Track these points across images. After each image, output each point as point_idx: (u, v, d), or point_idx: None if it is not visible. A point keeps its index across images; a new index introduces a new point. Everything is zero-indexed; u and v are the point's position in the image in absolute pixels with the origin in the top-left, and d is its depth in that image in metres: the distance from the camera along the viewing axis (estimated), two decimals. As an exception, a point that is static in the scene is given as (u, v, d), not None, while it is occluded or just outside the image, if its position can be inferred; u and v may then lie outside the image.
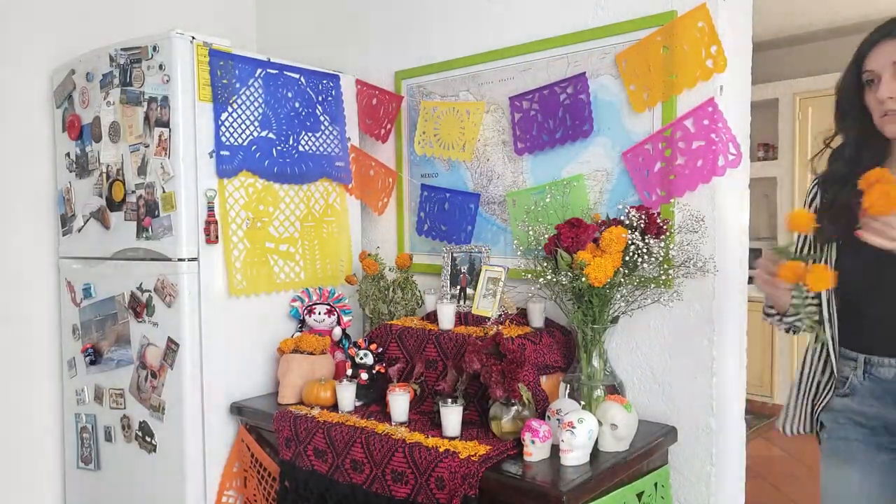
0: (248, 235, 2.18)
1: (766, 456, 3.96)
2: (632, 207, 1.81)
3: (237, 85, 2.13)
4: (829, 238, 1.46)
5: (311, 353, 2.12)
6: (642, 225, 1.75)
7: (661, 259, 1.75)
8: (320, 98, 2.39)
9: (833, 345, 1.47)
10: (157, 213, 2.06)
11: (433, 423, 1.80)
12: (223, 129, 2.09)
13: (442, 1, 2.42)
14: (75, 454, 2.40)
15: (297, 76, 2.32)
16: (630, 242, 1.72)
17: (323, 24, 2.83)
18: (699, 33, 1.82)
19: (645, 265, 1.74)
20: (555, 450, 1.60)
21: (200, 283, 2.06)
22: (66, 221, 2.41)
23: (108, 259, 2.24)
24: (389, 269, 2.37)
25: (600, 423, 1.62)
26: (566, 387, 1.85)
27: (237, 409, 2.11)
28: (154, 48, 2.03)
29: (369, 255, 2.35)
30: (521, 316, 2.06)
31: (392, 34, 2.58)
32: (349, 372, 2.03)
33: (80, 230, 2.34)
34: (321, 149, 2.39)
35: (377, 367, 2.03)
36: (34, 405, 2.45)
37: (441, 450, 1.61)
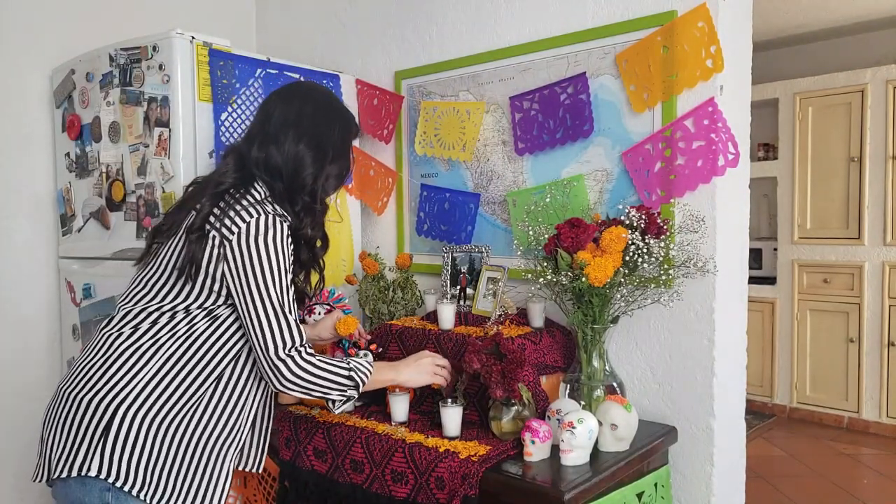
0: (248, 235, 2.18)
1: (766, 456, 3.96)
2: (632, 207, 1.81)
3: (237, 85, 2.13)
4: None
5: (311, 353, 2.12)
6: (642, 225, 1.75)
7: (661, 259, 1.75)
8: (320, 98, 2.39)
9: None
10: (156, 213, 2.06)
11: (433, 423, 1.80)
12: (223, 129, 2.09)
13: (442, 1, 2.42)
14: (75, 454, 2.39)
15: (297, 76, 2.31)
16: (630, 242, 1.72)
17: (323, 24, 2.83)
18: (699, 33, 1.82)
19: (645, 265, 1.74)
20: (555, 450, 1.60)
21: (200, 283, 2.06)
22: (65, 221, 2.41)
23: (108, 259, 2.24)
24: (389, 269, 2.37)
25: (600, 424, 1.62)
26: (566, 387, 1.85)
27: (237, 409, 2.11)
28: (154, 48, 2.03)
29: (369, 255, 2.35)
30: (521, 316, 2.06)
31: (392, 34, 2.58)
32: (349, 372, 2.03)
33: (79, 230, 2.34)
34: (321, 149, 2.39)
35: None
36: (35, 405, 2.44)
37: (441, 450, 1.61)
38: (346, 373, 1.51)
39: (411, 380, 1.72)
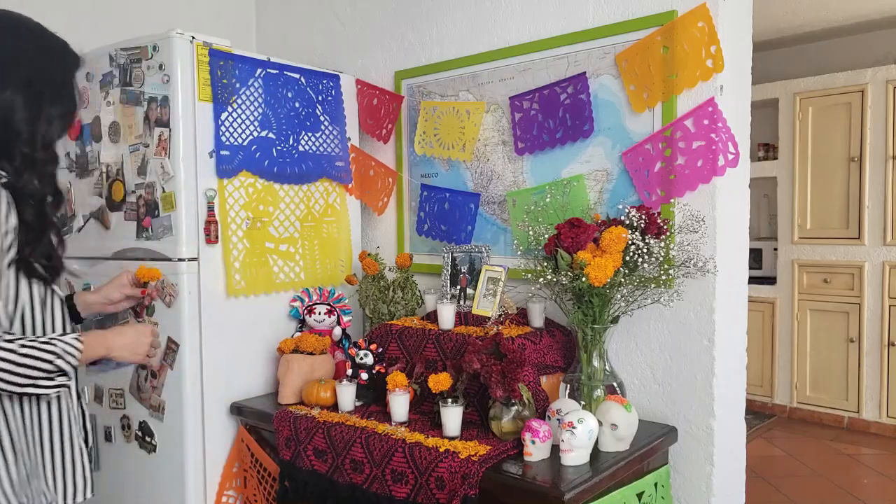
0: (248, 235, 2.18)
1: (766, 456, 3.96)
2: (632, 207, 1.81)
3: (237, 85, 2.13)
4: None
5: (311, 353, 2.12)
6: (642, 225, 1.75)
7: (661, 259, 1.75)
8: (320, 98, 2.39)
9: None
10: (156, 213, 2.06)
11: (433, 423, 1.80)
12: (223, 128, 2.09)
13: (442, 1, 2.42)
14: (75, 454, 2.39)
15: (297, 76, 2.32)
16: (630, 242, 1.72)
17: (323, 24, 2.83)
18: (699, 33, 1.82)
19: (645, 265, 1.74)
20: (555, 450, 1.60)
21: (200, 283, 2.06)
22: (65, 221, 2.41)
23: (108, 259, 2.23)
24: (389, 269, 2.37)
25: (600, 424, 1.62)
26: (566, 387, 1.85)
27: (237, 409, 2.11)
28: (154, 48, 2.03)
29: (369, 255, 2.35)
30: (521, 316, 2.06)
31: (392, 34, 2.58)
32: (349, 372, 2.03)
33: (80, 230, 2.34)
34: (321, 149, 2.39)
35: (377, 367, 2.03)
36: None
37: (441, 450, 1.61)
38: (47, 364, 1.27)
39: (124, 357, 1.45)
